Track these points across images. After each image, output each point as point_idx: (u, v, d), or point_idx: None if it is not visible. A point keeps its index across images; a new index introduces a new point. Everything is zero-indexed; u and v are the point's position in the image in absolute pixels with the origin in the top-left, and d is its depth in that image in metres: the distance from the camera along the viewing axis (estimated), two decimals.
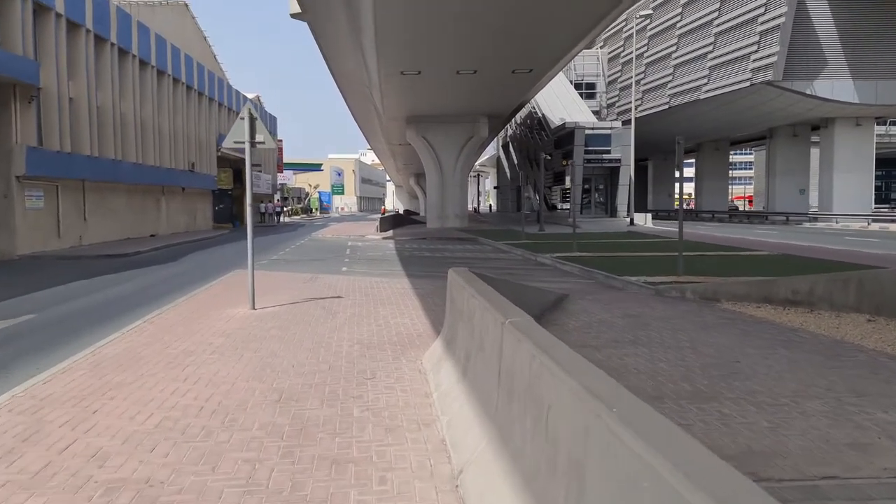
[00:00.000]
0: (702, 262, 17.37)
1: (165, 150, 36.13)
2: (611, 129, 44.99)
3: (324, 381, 6.24)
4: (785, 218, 50.91)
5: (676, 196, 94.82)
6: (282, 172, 73.28)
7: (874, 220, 42.47)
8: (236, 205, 53.60)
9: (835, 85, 43.91)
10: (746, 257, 19.16)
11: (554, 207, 51.18)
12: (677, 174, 15.15)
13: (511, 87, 35.38)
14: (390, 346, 7.76)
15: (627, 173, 43.34)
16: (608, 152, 44.29)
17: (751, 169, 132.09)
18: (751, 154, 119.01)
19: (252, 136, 10.74)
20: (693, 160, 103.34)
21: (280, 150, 70.51)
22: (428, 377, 6.15)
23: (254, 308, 10.75)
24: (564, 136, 45.89)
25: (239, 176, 53.81)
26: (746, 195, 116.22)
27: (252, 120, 10.71)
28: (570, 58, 31.71)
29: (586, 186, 45.71)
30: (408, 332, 8.61)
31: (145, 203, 34.87)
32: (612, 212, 45.86)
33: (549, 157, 41.95)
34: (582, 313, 9.88)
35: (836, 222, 44.79)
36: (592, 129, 44.34)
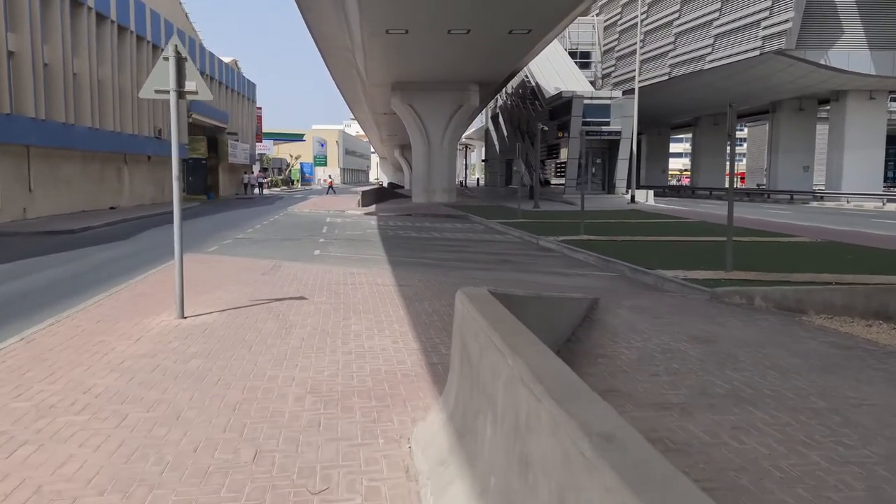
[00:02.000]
0: (740, 252, 14.73)
1: (127, 115, 32.87)
2: (610, 99, 42.09)
3: (235, 500, 3.49)
4: (789, 196, 48.37)
5: (669, 171, 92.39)
6: (261, 142, 69.82)
7: (889, 200, 39.99)
8: (211, 175, 50.40)
9: (851, 55, 41.19)
10: (787, 245, 16.54)
11: (547, 183, 48.41)
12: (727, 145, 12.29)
13: (506, 51, 32.43)
14: (361, 401, 5.01)
15: (628, 147, 40.58)
16: (607, 124, 41.44)
17: (742, 145, 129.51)
18: (743, 129, 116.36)
19: (180, 82, 7.88)
20: (687, 136, 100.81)
21: (259, 118, 67.01)
22: (422, 491, 3.43)
23: (182, 316, 7.97)
24: (560, 107, 42.97)
25: (214, 144, 50.59)
26: (738, 172, 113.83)
27: (180, 60, 7.83)
28: (573, 18, 28.81)
29: (582, 161, 42.86)
30: (389, 369, 5.87)
31: (104, 172, 31.68)
32: (610, 188, 43.15)
33: (545, 129, 39.01)
34: (629, 333, 7.19)
35: (847, 202, 42.35)
36: (591, 98, 41.42)
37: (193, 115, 42.50)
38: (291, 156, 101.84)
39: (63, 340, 6.89)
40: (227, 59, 54.43)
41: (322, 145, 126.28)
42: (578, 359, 6.15)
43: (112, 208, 31.57)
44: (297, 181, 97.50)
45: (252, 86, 61.87)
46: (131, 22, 33.16)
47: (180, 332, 7.21)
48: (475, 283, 10.92)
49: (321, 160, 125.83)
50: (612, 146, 42.66)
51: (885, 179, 79.53)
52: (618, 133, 41.54)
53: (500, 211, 31.84)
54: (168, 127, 37.39)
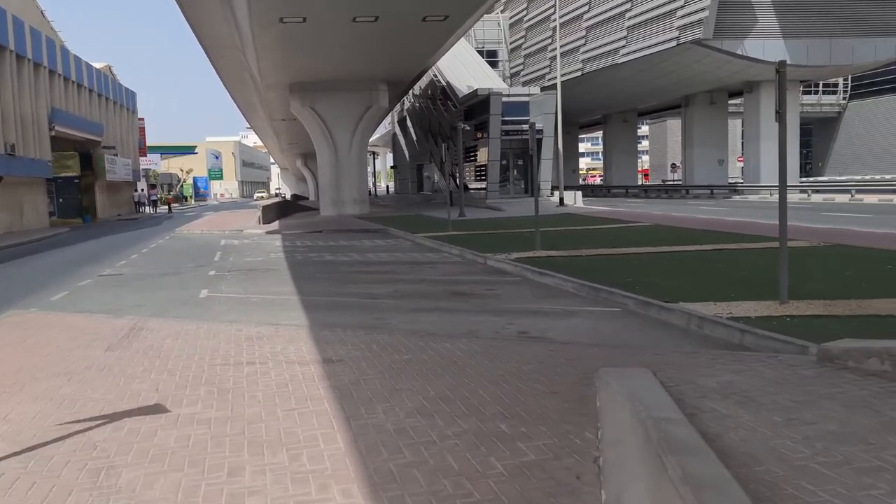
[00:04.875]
0: (753, 267, 11.75)
1: None
2: (529, 95, 39.33)
3: None
4: (710, 191, 47.18)
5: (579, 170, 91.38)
6: (145, 156, 63.51)
7: (814, 191, 39.02)
8: (86, 195, 44.46)
9: (766, 44, 40.06)
10: (796, 253, 13.65)
11: (466, 188, 45.21)
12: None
13: (418, 44, 28.98)
14: None
15: (551, 145, 37.85)
16: (526, 122, 38.55)
17: (641, 142, 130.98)
18: (642, 126, 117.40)
19: None
20: (588, 136, 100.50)
21: (142, 129, 60.77)
22: None
23: None
24: (476, 106, 39.86)
25: (88, 161, 44.60)
26: (642, 169, 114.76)
27: None
28: (493, 1, 25.65)
29: (503, 162, 39.91)
30: None
31: None
32: (533, 190, 40.29)
33: (467, 128, 35.78)
34: (792, 474, 3.71)
35: (771, 194, 41.14)
36: (509, 96, 38.50)
37: (56, 128, 36.75)
38: (183, 170, 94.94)
39: None
40: (98, 65, 48.42)
41: (217, 158, 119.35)
42: None
43: None
44: (191, 196, 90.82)
45: (131, 94, 55.83)
46: None
47: None
48: (434, 340, 7.24)
49: (216, 174, 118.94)
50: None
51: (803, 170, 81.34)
52: (539, 131, 38.70)
53: (423, 222, 28.26)
54: (23, 141, 31.84)
